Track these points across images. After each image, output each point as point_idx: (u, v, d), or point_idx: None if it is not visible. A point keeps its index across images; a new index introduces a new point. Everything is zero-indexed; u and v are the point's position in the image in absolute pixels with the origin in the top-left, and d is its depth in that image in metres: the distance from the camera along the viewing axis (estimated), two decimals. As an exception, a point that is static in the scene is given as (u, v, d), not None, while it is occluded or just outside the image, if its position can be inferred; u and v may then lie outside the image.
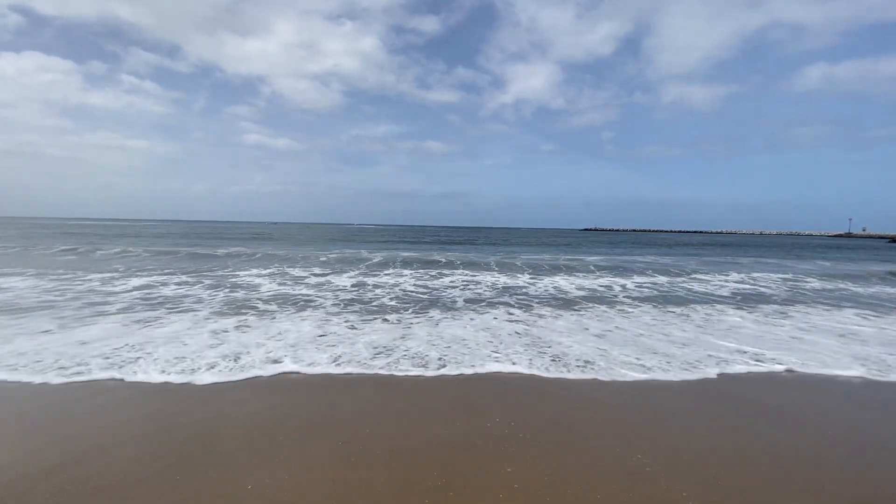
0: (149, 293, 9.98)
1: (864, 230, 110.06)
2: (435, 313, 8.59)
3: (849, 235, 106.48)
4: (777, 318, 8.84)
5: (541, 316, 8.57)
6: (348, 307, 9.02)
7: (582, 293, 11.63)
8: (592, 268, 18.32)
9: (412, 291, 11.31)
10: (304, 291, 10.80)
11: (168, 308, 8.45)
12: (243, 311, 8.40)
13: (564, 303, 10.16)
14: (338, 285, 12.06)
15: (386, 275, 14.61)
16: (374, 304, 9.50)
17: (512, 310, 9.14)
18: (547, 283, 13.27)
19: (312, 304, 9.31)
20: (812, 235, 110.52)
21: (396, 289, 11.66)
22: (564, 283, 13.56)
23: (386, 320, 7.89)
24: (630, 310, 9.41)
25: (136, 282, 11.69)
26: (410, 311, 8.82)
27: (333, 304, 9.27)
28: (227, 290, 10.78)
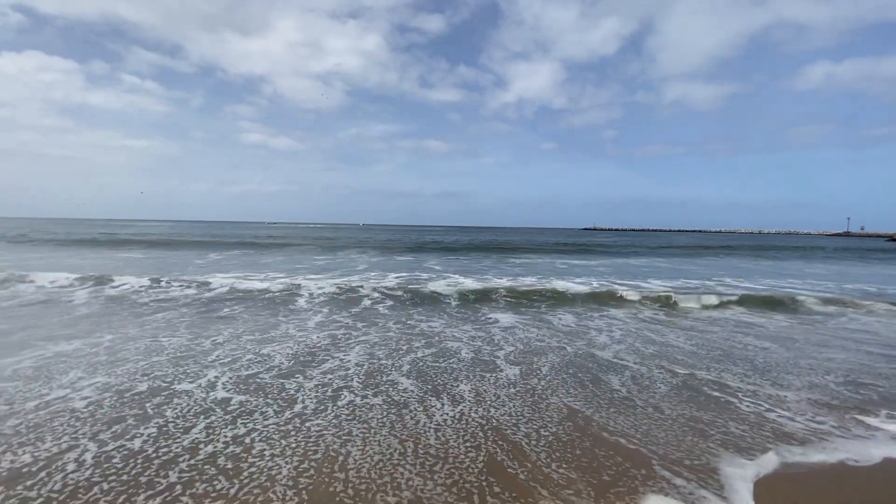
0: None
1: (862, 229, 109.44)
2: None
3: (847, 234, 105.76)
4: None
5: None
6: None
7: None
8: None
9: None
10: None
11: None
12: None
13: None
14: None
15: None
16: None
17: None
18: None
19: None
20: (811, 235, 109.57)
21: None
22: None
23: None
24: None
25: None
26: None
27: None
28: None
